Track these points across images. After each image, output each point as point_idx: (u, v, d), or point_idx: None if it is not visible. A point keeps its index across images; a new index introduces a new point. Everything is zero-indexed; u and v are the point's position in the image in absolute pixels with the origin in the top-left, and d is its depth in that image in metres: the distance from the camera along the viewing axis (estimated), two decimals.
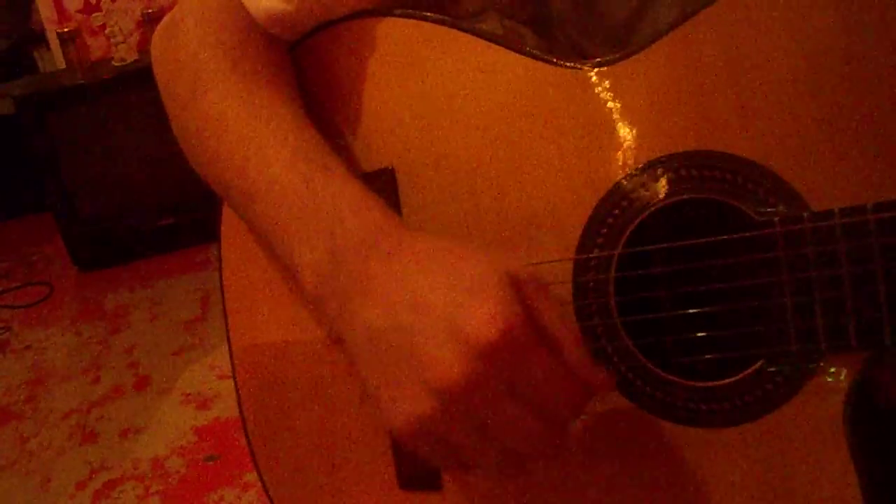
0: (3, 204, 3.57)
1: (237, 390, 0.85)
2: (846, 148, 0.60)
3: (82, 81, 3.05)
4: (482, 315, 0.54)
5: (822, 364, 0.63)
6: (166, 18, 0.79)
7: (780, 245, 0.61)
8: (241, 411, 0.85)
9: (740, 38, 0.63)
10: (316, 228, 0.64)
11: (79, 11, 3.47)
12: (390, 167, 0.74)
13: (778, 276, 0.62)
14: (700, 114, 0.64)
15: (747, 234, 0.62)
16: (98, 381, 2.59)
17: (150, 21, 3.17)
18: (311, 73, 0.77)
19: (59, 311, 3.01)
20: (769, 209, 0.62)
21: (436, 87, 0.71)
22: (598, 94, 0.67)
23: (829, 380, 0.63)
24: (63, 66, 3.38)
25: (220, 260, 0.83)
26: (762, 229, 0.62)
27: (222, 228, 0.83)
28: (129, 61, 3.07)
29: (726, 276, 0.65)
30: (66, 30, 3.12)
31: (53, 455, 2.33)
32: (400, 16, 0.73)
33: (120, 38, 3.08)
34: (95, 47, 3.31)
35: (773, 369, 0.64)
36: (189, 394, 2.45)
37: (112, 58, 3.11)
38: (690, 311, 0.67)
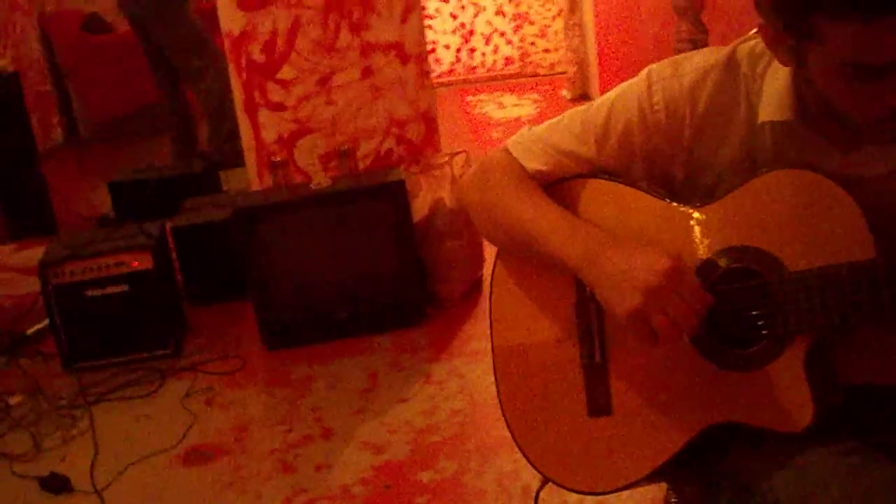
0: (205, 292, 4.38)
1: (495, 371, 1.58)
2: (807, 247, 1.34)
3: (288, 199, 3.87)
4: (658, 264, 1.35)
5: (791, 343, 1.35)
6: (476, 167, 1.58)
7: (777, 289, 1.35)
8: (496, 383, 1.58)
9: (759, 195, 1.37)
10: (575, 240, 1.43)
11: (273, 142, 4.38)
12: None
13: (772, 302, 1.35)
14: (744, 227, 1.38)
15: (762, 282, 1.36)
16: (291, 430, 3.32)
17: (337, 156, 4.03)
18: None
19: (252, 379, 3.75)
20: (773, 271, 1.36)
21: (621, 215, 1.47)
22: (697, 219, 1.42)
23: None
24: (257, 186, 4.27)
25: (490, 290, 1.59)
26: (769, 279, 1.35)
27: (494, 277, 1.59)
28: (324, 185, 3.89)
29: (756, 304, 1.38)
30: (278, 159, 3.97)
31: (262, 479, 3.05)
32: (602, 178, 1.50)
33: (317, 168, 3.92)
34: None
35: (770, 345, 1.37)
36: (366, 442, 3.17)
37: (310, 182, 3.92)
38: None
